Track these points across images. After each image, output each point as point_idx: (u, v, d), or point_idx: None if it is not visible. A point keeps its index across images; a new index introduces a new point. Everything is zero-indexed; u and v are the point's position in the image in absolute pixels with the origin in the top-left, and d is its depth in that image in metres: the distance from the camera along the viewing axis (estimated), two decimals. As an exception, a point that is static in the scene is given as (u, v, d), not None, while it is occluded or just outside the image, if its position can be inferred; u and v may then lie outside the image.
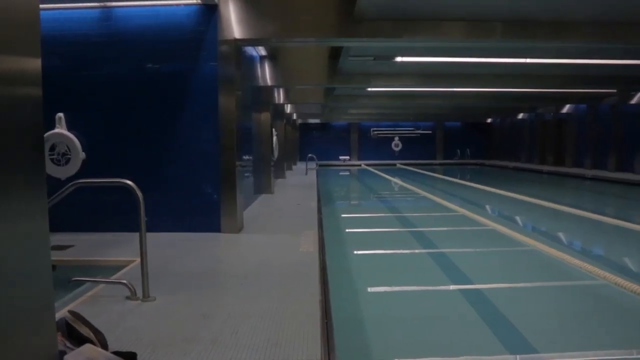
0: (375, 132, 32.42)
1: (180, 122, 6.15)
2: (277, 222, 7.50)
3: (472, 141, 33.08)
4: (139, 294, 3.64)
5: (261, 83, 10.58)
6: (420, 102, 19.70)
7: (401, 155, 31.97)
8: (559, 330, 4.16)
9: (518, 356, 3.67)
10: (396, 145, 32.48)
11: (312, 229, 6.64)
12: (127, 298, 3.63)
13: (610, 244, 8.00)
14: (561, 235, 8.75)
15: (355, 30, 6.16)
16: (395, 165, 29.31)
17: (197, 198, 6.20)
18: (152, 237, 5.66)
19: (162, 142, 6.17)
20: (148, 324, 3.19)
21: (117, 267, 4.52)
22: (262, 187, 10.72)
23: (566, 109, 22.74)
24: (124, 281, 3.72)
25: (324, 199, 12.47)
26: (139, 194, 3.60)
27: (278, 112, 14.29)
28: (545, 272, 6.02)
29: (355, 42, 7.32)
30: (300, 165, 23.01)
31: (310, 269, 4.50)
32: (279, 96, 13.87)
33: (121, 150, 6.16)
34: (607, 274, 5.25)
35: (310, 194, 11.22)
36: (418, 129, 32.61)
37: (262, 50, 10.15)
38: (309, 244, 5.62)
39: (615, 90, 16.95)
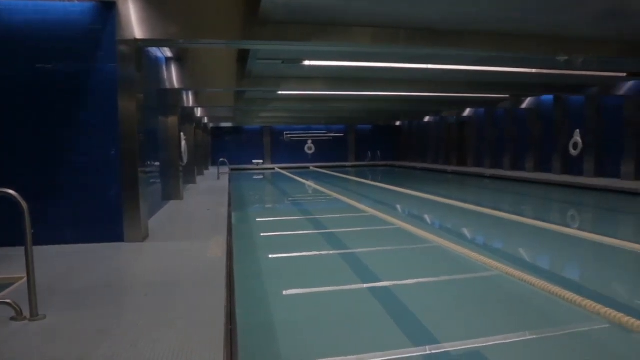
0: (288, 136, 32.57)
1: (76, 126, 5.75)
2: (186, 228, 7.25)
3: (382, 143, 34.30)
4: (26, 313, 3.33)
5: (167, 86, 10.20)
6: (332, 106, 20.08)
7: (314, 158, 32.40)
8: (463, 320, 4.39)
9: (428, 347, 3.81)
10: (309, 148, 32.84)
11: (222, 234, 6.50)
12: (12, 319, 3.31)
13: (505, 237, 8.60)
14: (464, 230, 9.27)
15: (260, 33, 6.13)
16: (308, 167, 29.61)
17: (96, 206, 5.83)
18: (47, 250, 5.28)
19: (55, 147, 5.73)
20: (35, 345, 2.93)
21: (2, 286, 4.12)
22: (171, 193, 10.33)
23: (467, 112, 24.28)
24: (8, 300, 3.39)
25: (236, 204, 12.28)
26: (24, 204, 3.30)
27: (187, 115, 13.85)
28: (449, 267, 6.33)
29: (261, 45, 7.28)
30: (212, 170, 22.50)
31: (218, 275, 4.39)
32: (188, 99, 13.46)
33: (7, 156, 5.64)
34: (500, 265, 5.68)
35: (221, 199, 10.99)
36: (330, 132, 33.21)
37: (168, 52, 9.81)
38: (217, 249, 5.48)
39: (508, 96, 18.36)
